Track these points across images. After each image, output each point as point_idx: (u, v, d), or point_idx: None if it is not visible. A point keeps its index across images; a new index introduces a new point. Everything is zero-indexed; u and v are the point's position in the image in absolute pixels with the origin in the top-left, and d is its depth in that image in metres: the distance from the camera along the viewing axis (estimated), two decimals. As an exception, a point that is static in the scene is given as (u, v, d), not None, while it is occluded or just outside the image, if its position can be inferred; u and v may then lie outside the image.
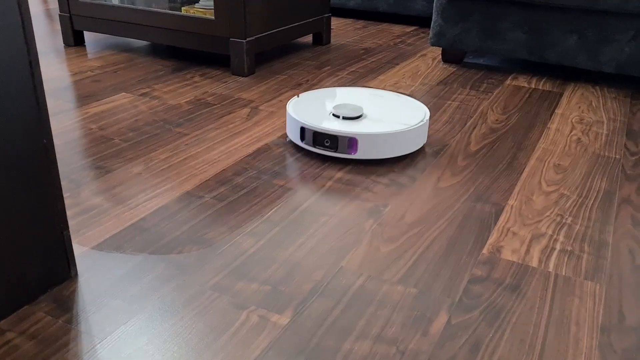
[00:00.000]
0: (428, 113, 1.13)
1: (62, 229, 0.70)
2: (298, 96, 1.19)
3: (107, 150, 1.10)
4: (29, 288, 0.68)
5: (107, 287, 0.72)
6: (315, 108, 1.14)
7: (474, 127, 1.26)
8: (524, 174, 1.05)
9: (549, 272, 0.77)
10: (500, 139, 1.20)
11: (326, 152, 1.05)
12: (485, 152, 1.13)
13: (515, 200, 0.96)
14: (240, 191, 0.96)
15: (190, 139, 1.16)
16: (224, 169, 1.04)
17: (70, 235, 0.72)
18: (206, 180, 0.99)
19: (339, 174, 1.03)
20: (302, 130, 1.07)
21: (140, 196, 0.94)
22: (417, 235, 0.85)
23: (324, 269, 0.76)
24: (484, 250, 0.82)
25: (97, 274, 0.74)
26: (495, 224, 0.89)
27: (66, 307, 0.68)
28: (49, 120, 0.65)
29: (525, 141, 1.19)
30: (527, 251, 0.82)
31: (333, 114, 1.10)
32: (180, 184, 0.98)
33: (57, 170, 0.68)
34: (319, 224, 0.87)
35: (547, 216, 0.91)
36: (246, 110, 1.31)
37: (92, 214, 0.88)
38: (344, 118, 1.08)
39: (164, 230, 0.84)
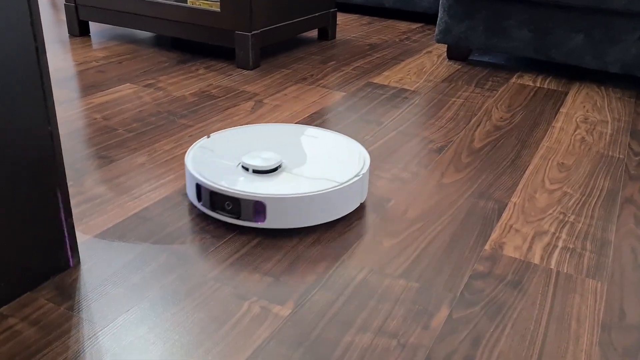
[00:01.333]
0: (368, 161, 0.90)
1: (65, 216, 0.70)
2: (208, 136, 0.95)
3: (111, 140, 1.10)
4: (32, 275, 0.68)
5: (109, 276, 0.72)
6: (224, 155, 0.90)
7: (478, 125, 1.26)
8: (528, 172, 1.05)
9: (551, 269, 0.77)
10: (504, 137, 1.20)
11: (227, 218, 0.81)
12: (489, 150, 1.13)
13: (519, 197, 0.96)
14: (244, 183, 0.96)
15: (194, 131, 1.16)
16: (227, 161, 1.04)
17: (73, 224, 0.72)
18: (209, 172, 0.99)
19: (343, 168, 1.03)
20: (198, 188, 0.83)
21: (144, 186, 0.94)
22: (420, 230, 0.85)
23: (327, 262, 0.76)
24: (486, 247, 0.82)
25: (99, 262, 0.75)
26: (497, 220, 0.88)
27: (68, 294, 0.68)
28: (54, 106, 0.65)
29: (529, 139, 1.19)
30: (530, 248, 0.82)
31: (242, 166, 0.86)
32: (184, 175, 0.98)
33: (62, 158, 0.68)
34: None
35: (550, 214, 0.91)
36: (250, 103, 1.31)
37: (95, 203, 0.88)
38: (254, 172, 0.84)
39: (167, 220, 0.84)
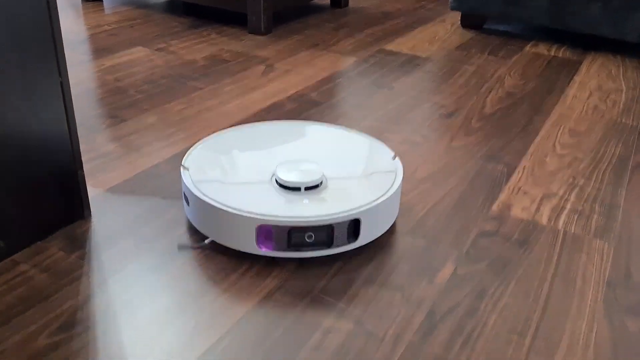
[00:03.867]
0: (400, 168, 0.76)
1: (76, 168, 0.71)
2: (183, 167, 0.74)
3: (122, 101, 1.11)
4: (43, 224, 0.70)
5: (119, 228, 0.73)
6: (224, 172, 0.72)
7: (490, 91, 1.24)
8: (539, 137, 1.04)
9: (558, 229, 0.77)
10: (516, 103, 1.18)
11: (303, 253, 0.67)
12: (500, 115, 1.12)
13: (529, 161, 0.95)
14: (253, 143, 0.96)
15: (205, 93, 1.16)
16: (238, 122, 1.04)
17: (84, 176, 0.73)
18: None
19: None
20: (266, 231, 0.65)
21: (154, 144, 0.95)
22: (428, 189, 0.85)
23: (333, 218, 0.77)
24: (494, 207, 0.82)
25: (109, 215, 0.76)
26: (506, 182, 0.88)
27: (79, 244, 0.70)
28: (64, 58, 0.66)
29: (542, 106, 1.18)
30: (537, 209, 0.82)
31: (277, 181, 0.70)
32: (195, 135, 0.99)
33: (73, 109, 0.69)
34: (330, 176, 0.87)
35: (560, 177, 0.91)
36: (261, 68, 1.31)
37: (106, 160, 0.89)
38: (306, 189, 0.69)
39: (176, 177, 0.85)
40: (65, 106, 0.68)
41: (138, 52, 1.37)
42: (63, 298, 0.61)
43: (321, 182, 0.71)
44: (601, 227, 0.78)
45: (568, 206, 0.83)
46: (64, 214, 0.72)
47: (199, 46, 1.44)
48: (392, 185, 0.72)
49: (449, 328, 0.60)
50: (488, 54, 1.49)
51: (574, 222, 0.79)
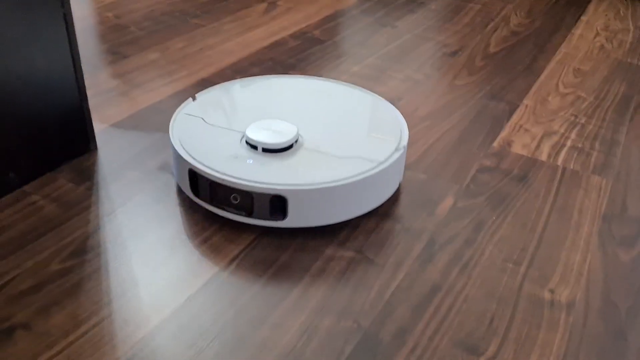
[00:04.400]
0: (405, 131, 0.71)
1: (81, 100, 0.72)
2: (194, 98, 0.74)
3: (123, 38, 1.10)
4: (52, 157, 0.71)
5: (126, 160, 0.74)
6: (218, 125, 0.69)
7: (495, 30, 1.23)
8: (542, 76, 1.04)
9: (557, 165, 0.78)
10: (521, 42, 1.17)
11: (233, 215, 0.63)
12: (504, 54, 1.12)
13: (531, 100, 0.95)
14: (256, 80, 0.96)
15: (206, 30, 1.15)
16: (240, 59, 1.03)
17: (89, 109, 0.74)
18: (222, 69, 1.00)
19: (356, 68, 1.02)
20: (193, 175, 0.64)
21: (157, 81, 0.95)
22: (429, 127, 0.86)
23: (336, 153, 0.78)
24: (495, 144, 0.82)
25: (115, 148, 0.77)
26: (508, 120, 0.89)
27: (87, 175, 0.71)
28: (66, -13, 0.65)
29: (547, 45, 1.17)
30: (538, 146, 0.82)
31: (247, 142, 0.66)
32: (197, 72, 0.98)
33: (76, 41, 0.69)
34: (333, 113, 0.88)
35: (561, 116, 0.91)
36: (264, 5, 1.29)
37: (110, 96, 0.90)
38: (264, 150, 0.65)
39: (180, 112, 0.86)
40: (69, 39, 0.67)
41: (138, -11, 1.35)
42: (73, 227, 0.63)
43: (287, 147, 0.65)
44: (600, 163, 0.79)
45: (568, 143, 0.84)
46: (71, 147, 0.73)
47: (200, -17, 1.41)
48: (365, 172, 0.63)
49: (447, 257, 0.62)
50: (494, -7, 1.46)
51: (574, 158, 0.80)
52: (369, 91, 0.79)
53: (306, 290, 0.57)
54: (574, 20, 1.30)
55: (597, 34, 1.24)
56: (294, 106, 0.74)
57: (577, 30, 1.25)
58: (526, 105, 0.93)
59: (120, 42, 1.08)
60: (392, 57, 1.08)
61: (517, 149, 0.82)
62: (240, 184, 0.60)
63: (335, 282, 0.58)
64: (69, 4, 0.66)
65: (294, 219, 0.62)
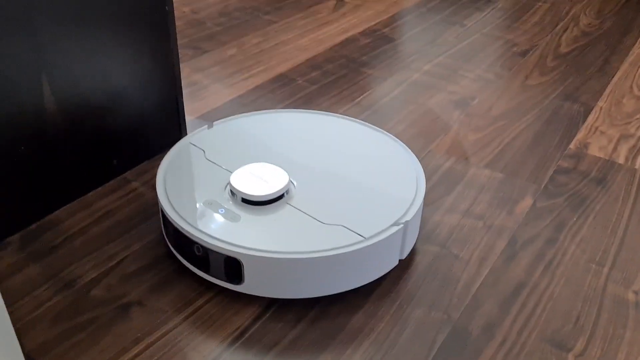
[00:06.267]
0: (422, 191, 0.61)
1: (177, 94, 0.76)
2: (210, 126, 0.70)
3: (201, 33, 1.14)
4: (149, 146, 0.75)
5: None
6: (216, 163, 0.64)
7: (565, 30, 1.22)
8: (616, 78, 1.03)
9: (635, 169, 0.79)
10: (592, 43, 1.17)
11: (196, 270, 0.57)
12: (576, 54, 1.11)
13: (605, 102, 0.95)
14: (331, 76, 0.99)
15: (279, 26, 1.18)
16: (314, 56, 1.06)
17: (183, 101, 0.78)
18: (298, 65, 1.03)
19: (427, 66, 1.04)
20: (164, 219, 0.59)
21: (237, 76, 0.99)
22: (504, 126, 0.87)
23: (416, 150, 0.80)
24: (571, 145, 0.83)
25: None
26: (583, 122, 0.89)
27: (180, 165, 0.75)
28: (170, -12, 0.69)
29: (619, 45, 1.16)
30: (615, 149, 0.83)
31: (231, 190, 0.59)
32: (274, 67, 1.02)
33: (176, 37, 0.73)
34: (408, 111, 0.90)
35: (637, 118, 0.91)
36: (333, 2, 1.32)
37: (193, 89, 0.94)
38: (243, 200, 0.58)
39: (262, 107, 0.89)
40: (170, 38, 0.72)
41: (210, -15, 1.40)
42: (172, 213, 0.67)
43: (269, 200, 0.58)
44: (679, 168, 0.79)
45: (646, 147, 0.84)
46: (165, 137, 0.77)
47: (269, -21, 1.45)
48: (338, 248, 0.53)
49: (530, 255, 0.63)
50: (562, -9, 1.44)
51: (652, 162, 0.80)
52: (396, 139, 0.69)
53: (395, 278, 0.59)
54: (646, 21, 1.28)
55: (671, 35, 1.22)
56: (305, 150, 0.66)
57: (650, 31, 1.23)
58: (600, 107, 0.93)
59: (198, 37, 1.12)
60: (463, 55, 1.09)
61: (594, 151, 0.82)
62: (196, 237, 0.54)
63: (424, 274, 0.60)
64: (172, 1, 0.70)
65: (250, 286, 0.55)
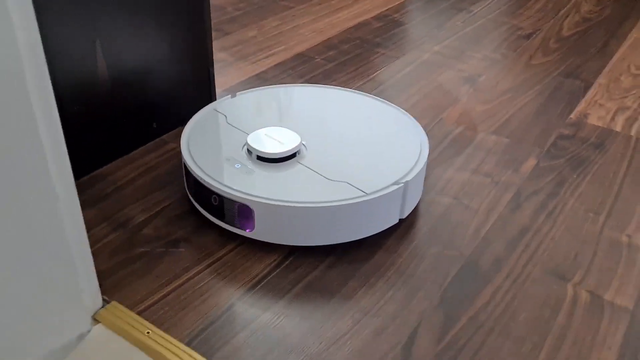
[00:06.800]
0: (424, 156, 0.66)
1: (209, 65, 0.83)
2: (233, 96, 0.76)
3: (223, 17, 1.21)
4: (184, 112, 0.82)
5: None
6: (236, 127, 0.70)
7: (567, 16, 1.29)
8: (614, 58, 1.10)
9: (631, 136, 0.85)
10: (593, 27, 1.23)
11: (211, 217, 0.63)
12: (577, 38, 1.18)
13: (604, 79, 1.02)
14: (347, 55, 1.06)
15: (296, 11, 1.25)
16: (330, 37, 1.13)
17: (214, 72, 0.85)
18: (315, 45, 1.10)
19: (437, 47, 1.11)
20: (186, 170, 0.65)
21: (258, 54, 1.06)
22: (510, 99, 0.94)
23: (427, 119, 0.87)
24: (572, 116, 0.90)
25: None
26: (583, 96, 0.96)
27: (212, 130, 0.82)
28: (206, -34, 0.76)
29: (618, 30, 1.22)
30: (612, 119, 0.89)
31: (248, 149, 0.65)
32: (292, 47, 1.09)
33: (210, 15, 0.80)
34: (419, 86, 0.97)
35: (634, 94, 0.97)
36: (345, -10, 1.38)
37: (219, 66, 1.01)
38: (258, 158, 0.64)
39: (283, 82, 0.96)
40: (204, 15, 0.78)
41: (228, -26, 1.46)
42: (208, 169, 0.74)
43: (281, 158, 0.64)
44: (672, 135, 0.86)
45: (641, 117, 0.90)
46: (199, 104, 0.84)
47: (284, -31, 1.52)
48: (340, 200, 0.59)
49: (533, 206, 0.70)
50: (564, -19, 1.51)
51: (646, 130, 0.87)
52: (404, 111, 0.75)
53: (412, 223, 0.66)
54: (644, 8, 1.35)
55: (668, 21, 1.28)
56: (318, 118, 0.73)
57: (648, 18, 1.29)
58: (600, 84, 1.00)
59: (220, 20, 1.19)
60: (470, 38, 1.16)
61: (593, 120, 0.89)
62: (215, 187, 0.60)
63: (437, 220, 0.67)
64: (207, -20, 0.77)
65: (260, 232, 0.61)
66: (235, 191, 0.59)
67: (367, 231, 0.62)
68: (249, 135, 0.66)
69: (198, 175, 0.61)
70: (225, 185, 0.60)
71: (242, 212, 0.60)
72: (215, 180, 0.61)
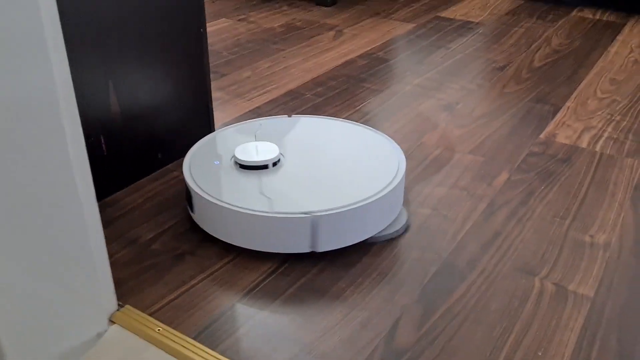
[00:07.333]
0: (402, 168, 0.73)
1: (207, 101, 0.91)
2: (290, 116, 0.87)
3: (218, 60, 1.31)
4: (186, 144, 0.90)
5: (240, 149, 0.93)
6: (229, 150, 0.79)
7: (539, 49, 1.39)
8: (582, 85, 1.19)
9: (596, 151, 0.93)
10: (562, 58, 1.33)
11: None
12: (547, 68, 1.27)
13: (572, 103, 1.10)
14: (334, 90, 1.15)
15: (287, 53, 1.35)
16: (318, 75, 1.23)
17: (213, 108, 0.93)
18: (305, 82, 1.19)
19: (418, 80, 1.20)
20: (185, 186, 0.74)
21: (253, 92, 1.14)
22: (485, 124, 1.02)
23: (409, 143, 0.95)
24: (542, 136, 0.98)
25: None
26: (552, 118, 1.04)
27: (211, 159, 0.90)
28: (204, 10, 0.85)
29: (586, 61, 1.32)
30: (579, 137, 0.97)
31: (235, 160, 0.75)
32: (284, 85, 1.18)
33: (208, 54, 0.88)
34: (402, 113, 1.05)
35: (599, 115, 1.06)
36: (332, 33, 1.49)
37: (217, 103, 1.10)
38: (241, 167, 0.74)
39: (277, 114, 1.05)
40: (203, 57, 0.87)
41: (222, 23, 1.58)
42: (209, 193, 0.81)
43: (259, 166, 0.73)
44: (633, 149, 0.94)
45: (605, 135, 0.98)
46: (200, 136, 0.92)
47: (275, 16, 1.63)
48: (286, 213, 0.65)
49: (505, 213, 0.77)
50: (536, 19, 1.62)
51: (610, 146, 0.95)
52: (387, 136, 0.82)
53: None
54: (610, 40, 1.45)
55: (632, 50, 1.38)
56: (303, 140, 0.81)
57: (613, 48, 1.40)
58: (568, 107, 1.09)
59: (216, 64, 1.29)
60: (449, 71, 1.25)
61: (561, 139, 0.97)
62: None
63: (418, 229, 0.74)
64: (205, 25, 0.86)
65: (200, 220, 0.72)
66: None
67: (273, 247, 0.67)
68: (236, 148, 0.76)
69: (184, 176, 0.72)
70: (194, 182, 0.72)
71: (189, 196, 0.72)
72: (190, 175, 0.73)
